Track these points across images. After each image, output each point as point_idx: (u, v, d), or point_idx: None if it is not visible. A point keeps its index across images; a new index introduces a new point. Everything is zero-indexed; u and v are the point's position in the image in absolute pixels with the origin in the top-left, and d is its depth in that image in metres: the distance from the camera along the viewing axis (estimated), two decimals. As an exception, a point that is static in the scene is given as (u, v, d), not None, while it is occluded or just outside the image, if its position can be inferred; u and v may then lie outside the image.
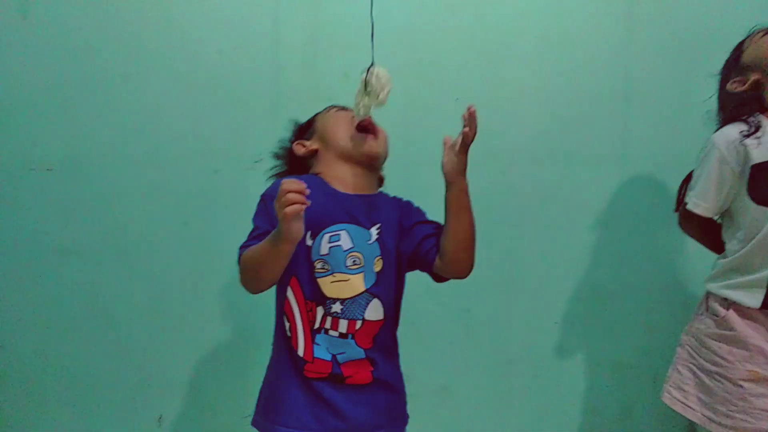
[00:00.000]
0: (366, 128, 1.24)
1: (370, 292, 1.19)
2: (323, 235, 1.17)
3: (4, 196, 1.74)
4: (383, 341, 1.22)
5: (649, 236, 1.82)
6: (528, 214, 1.81)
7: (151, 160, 1.73)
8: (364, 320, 1.18)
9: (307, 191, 1.02)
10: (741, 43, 1.42)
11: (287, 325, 1.20)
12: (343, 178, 1.24)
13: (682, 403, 1.42)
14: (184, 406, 1.82)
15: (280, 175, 1.33)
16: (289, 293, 1.19)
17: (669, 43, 1.80)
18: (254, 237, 1.17)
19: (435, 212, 1.30)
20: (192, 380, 1.81)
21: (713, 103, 1.45)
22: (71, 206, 1.75)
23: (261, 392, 1.27)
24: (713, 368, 1.37)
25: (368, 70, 1.17)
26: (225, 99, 1.73)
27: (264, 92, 1.73)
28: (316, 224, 1.17)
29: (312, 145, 1.29)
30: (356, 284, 1.17)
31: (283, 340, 1.21)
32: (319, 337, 1.18)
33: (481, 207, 1.74)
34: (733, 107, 1.39)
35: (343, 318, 1.17)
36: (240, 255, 1.16)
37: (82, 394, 1.80)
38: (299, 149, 1.30)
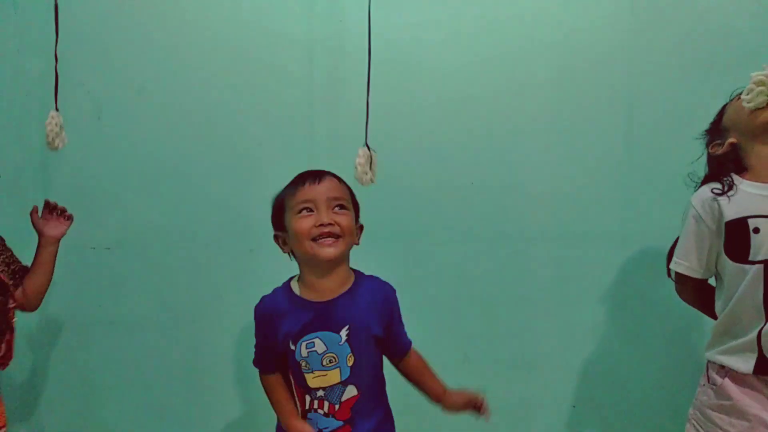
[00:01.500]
0: (332, 234, 1.34)
1: (344, 383, 1.39)
2: (301, 343, 1.37)
3: (67, 272, 1.88)
4: (359, 408, 1.41)
5: (674, 317, 1.78)
6: (544, 291, 1.84)
7: (193, 240, 1.90)
8: (341, 402, 1.40)
9: None
10: (723, 107, 1.47)
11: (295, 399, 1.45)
12: (313, 284, 1.39)
13: None
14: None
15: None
16: (291, 380, 1.43)
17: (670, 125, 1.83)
18: (259, 358, 1.46)
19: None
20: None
21: (695, 166, 1.50)
22: (121, 281, 1.92)
23: None
24: None
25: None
26: (261, 183, 1.89)
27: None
28: (295, 334, 1.37)
29: (287, 246, 1.41)
30: (332, 377, 1.38)
31: None
32: (310, 415, 1.41)
33: (496, 284, 1.84)
34: (714, 169, 1.44)
35: (326, 401, 1.40)
36: (260, 374, 1.46)
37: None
38: (282, 247, 1.43)
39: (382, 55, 1.71)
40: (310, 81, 1.88)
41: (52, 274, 1.62)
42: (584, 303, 1.82)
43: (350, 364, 1.37)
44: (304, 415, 1.42)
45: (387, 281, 1.47)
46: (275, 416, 1.46)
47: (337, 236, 1.34)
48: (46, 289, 1.62)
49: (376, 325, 1.39)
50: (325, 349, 1.36)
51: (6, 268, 1.55)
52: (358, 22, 1.64)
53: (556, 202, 1.85)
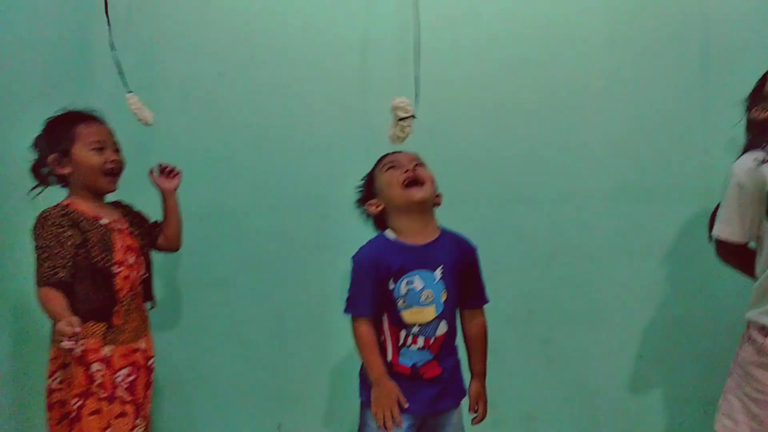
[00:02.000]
0: (411, 183, 1.54)
1: (439, 318, 1.55)
2: (401, 281, 1.53)
3: None
4: (446, 344, 1.58)
5: (730, 270, 1.75)
6: (605, 247, 1.89)
7: (274, 208, 2.06)
8: (435, 336, 1.55)
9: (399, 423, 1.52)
10: (765, 74, 1.46)
11: (383, 339, 1.58)
12: (408, 229, 1.57)
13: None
14: (302, 416, 2.09)
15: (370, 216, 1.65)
16: (384, 320, 1.57)
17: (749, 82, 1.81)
18: (361, 304, 1.56)
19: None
20: (309, 393, 2.08)
21: (736, 130, 1.50)
22: (214, 247, 2.11)
23: (362, 380, 1.63)
24: (759, 396, 1.38)
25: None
26: (331, 157, 2.02)
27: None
28: (395, 273, 1.54)
29: (379, 204, 1.60)
30: (429, 313, 1.54)
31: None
32: (404, 350, 1.56)
33: (561, 242, 1.89)
34: (755, 134, 1.44)
35: (420, 336, 1.55)
36: (354, 321, 1.57)
37: (222, 400, 2.12)
38: (372, 210, 1.61)
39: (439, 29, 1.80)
40: (370, 66, 1.99)
41: (180, 218, 1.87)
42: (645, 257, 1.86)
43: (444, 299, 1.54)
44: (397, 352, 1.55)
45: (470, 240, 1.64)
46: (357, 363, 1.60)
47: (422, 182, 1.54)
48: (180, 230, 1.88)
49: (461, 268, 1.57)
50: (423, 285, 1.53)
51: (137, 229, 1.76)
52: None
53: (613, 160, 1.88)
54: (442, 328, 1.55)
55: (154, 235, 1.83)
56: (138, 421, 1.63)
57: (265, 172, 2.08)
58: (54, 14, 2.09)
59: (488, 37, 1.93)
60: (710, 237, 1.52)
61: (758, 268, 1.43)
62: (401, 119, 1.60)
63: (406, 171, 1.55)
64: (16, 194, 1.79)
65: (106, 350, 1.59)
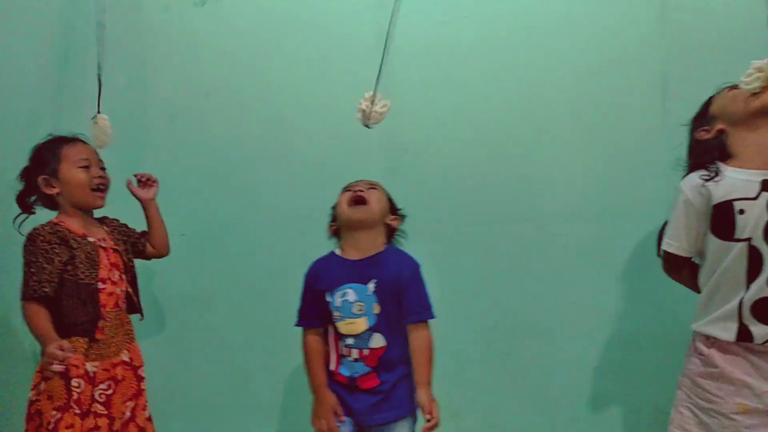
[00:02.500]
0: (356, 202, 1.67)
1: (371, 329, 1.63)
2: (335, 293, 1.65)
3: None
4: (386, 359, 1.65)
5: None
6: (566, 264, 1.99)
7: (255, 225, 2.15)
8: (369, 349, 1.63)
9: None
10: (711, 97, 1.58)
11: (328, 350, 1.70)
12: (350, 245, 1.71)
13: None
14: (278, 430, 2.14)
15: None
16: (331, 331, 1.69)
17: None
18: (303, 314, 1.73)
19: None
20: (287, 407, 2.14)
21: (680, 150, 1.61)
22: (195, 263, 2.18)
23: None
24: (707, 405, 1.47)
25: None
26: (311, 176, 2.11)
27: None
28: (331, 286, 1.66)
29: (334, 225, 1.76)
30: (361, 324, 1.63)
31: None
32: (343, 360, 1.66)
33: (523, 259, 2.00)
34: (700, 153, 1.54)
35: (354, 348, 1.64)
36: (303, 334, 1.72)
37: (196, 414, 2.18)
38: (330, 231, 1.78)
39: (407, 56, 1.93)
40: (351, 87, 2.00)
41: (163, 225, 1.94)
42: (602, 275, 1.96)
43: (376, 312, 1.63)
44: (338, 361, 1.66)
45: (413, 257, 1.72)
46: None
47: (365, 203, 1.66)
48: (166, 236, 1.95)
49: (399, 284, 1.64)
50: (356, 298, 1.63)
51: (123, 244, 1.84)
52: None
53: (574, 181, 1.99)
54: (378, 341, 1.63)
55: (141, 246, 1.91)
56: None
57: (247, 189, 2.17)
58: (47, 38, 2.20)
59: (462, 60, 2.05)
60: (659, 252, 1.61)
61: (701, 281, 1.52)
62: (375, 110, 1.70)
63: (355, 192, 1.67)
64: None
65: (90, 366, 1.64)
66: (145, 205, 1.93)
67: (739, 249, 1.42)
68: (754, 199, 1.41)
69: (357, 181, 1.75)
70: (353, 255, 1.69)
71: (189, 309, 2.20)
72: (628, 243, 1.95)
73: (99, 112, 1.82)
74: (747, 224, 1.41)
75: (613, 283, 1.96)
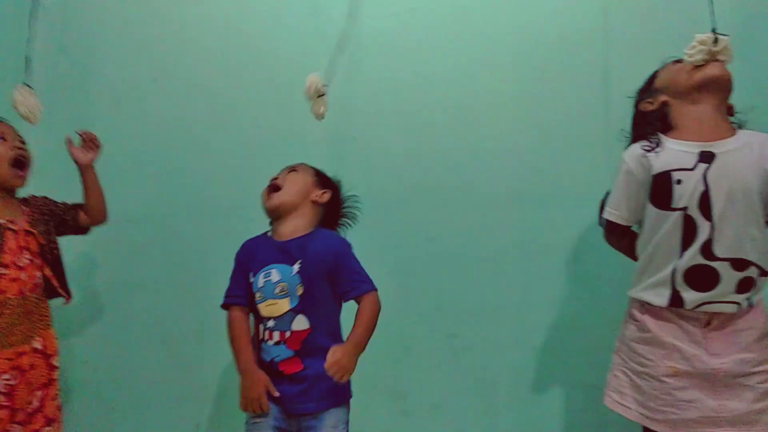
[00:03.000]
0: (271, 189, 1.69)
1: (294, 311, 1.58)
2: (260, 273, 1.62)
3: (95, 242, 2.09)
4: (310, 342, 1.59)
5: (620, 267, 1.88)
6: (507, 250, 2.05)
7: (202, 211, 2.14)
8: (291, 331, 1.58)
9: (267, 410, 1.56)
10: (656, 71, 1.63)
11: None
12: (277, 228, 1.70)
13: (620, 404, 1.58)
14: (219, 417, 2.12)
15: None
16: (252, 316, 1.66)
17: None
18: (230, 292, 1.70)
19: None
20: (228, 393, 2.11)
21: (626, 122, 1.67)
22: (141, 250, 2.16)
23: None
24: (641, 369, 1.53)
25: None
26: (259, 160, 2.07)
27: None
28: (256, 266, 1.64)
29: None
30: (283, 305, 1.58)
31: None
32: (263, 345, 1.61)
33: (466, 244, 2.06)
34: (643, 125, 1.59)
35: (275, 330, 1.59)
36: (228, 313, 1.68)
37: (142, 403, 2.15)
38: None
39: (355, 45, 1.97)
40: (316, 67, 2.01)
41: (101, 190, 1.84)
42: (541, 258, 2.03)
43: (300, 293, 1.58)
44: (259, 347, 1.61)
45: (343, 238, 1.74)
46: None
47: (278, 189, 1.67)
48: (103, 202, 1.85)
49: (326, 264, 1.61)
50: (279, 278, 1.59)
51: (44, 225, 1.75)
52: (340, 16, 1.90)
53: (515, 167, 2.05)
54: (301, 323, 1.57)
55: (71, 221, 1.83)
56: (13, 426, 1.61)
57: (192, 176, 2.17)
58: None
59: (408, 50, 2.11)
60: (600, 221, 1.66)
61: (639, 249, 1.58)
62: (320, 96, 1.71)
63: (271, 181, 1.70)
64: None
65: None
66: (83, 170, 1.81)
67: (675, 218, 1.47)
68: (691, 170, 1.46)
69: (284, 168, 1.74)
70: (281, 237, 1.66)
71: (134, 296, 2.16)
72: (566, 227, 2.03)
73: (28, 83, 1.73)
74: (684, 194, 1.46)
75: (552, 266, 2.04)
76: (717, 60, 1.49)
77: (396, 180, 2.10)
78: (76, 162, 1.81)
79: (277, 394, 1.55)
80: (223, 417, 2.13)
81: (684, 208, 1.47)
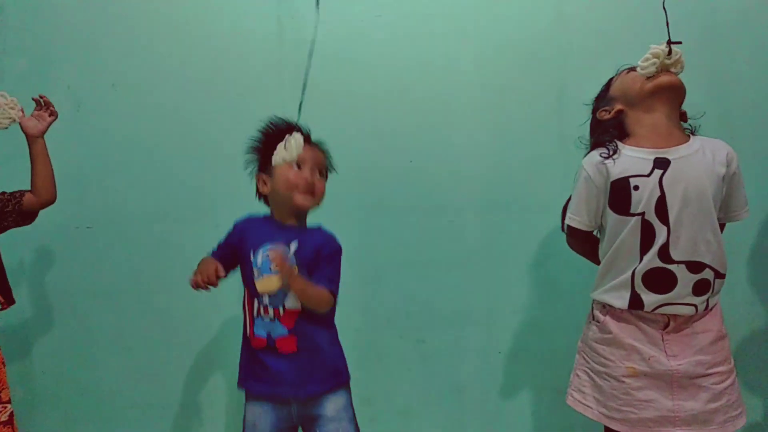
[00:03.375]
0: (308, 189, 1.65)
1: (287, 288, 1.59)
2: (259, 251, 1.61)
3: (54, 249, 2.16)
4: (304, 321, 1.61)
5: (583, 273, 1.94)
6: (473, 255, 2.09)
7: (165, 217, 2.14)
8: (284, 308, 1.61)
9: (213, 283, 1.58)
10: (610, 79, 1.67)
11: (245, 314, 1.65)
12: (283, 213, 1.67)
13: (581, 403, 1.62)
14: (186, 425, 2.13)
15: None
16: (245, 293, 1.66)
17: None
18: (216, 249, 1.72)
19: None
20: (195, 401, 2.13)
21: (583, 129, 1.72)
22: (102, 256, 2.15)
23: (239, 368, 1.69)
24: (601, 369, 1.57)
25: (291, 133, 1.59)
26: (224, 167, 2.10)
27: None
28: (256, 244, 1.62)
29: (267, 186, 1.69)
30: (275, 282, 1.57)
31: (243, 325, 1.67)
32: (257, 320, 1.62)
33: (433, 250, 2.09)
34: (600, 132, 1.64)
35: (270, 306, 1.61)
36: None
37: (105, 413, 2.14)
38: (262, 187, 1.71)
39: (329, 48, 1.99)
40: (276, 73, 2.13)
41: (50, 165, 1.77)
42: (508, 264, 2.08)
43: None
44: (252, 322, 1.62)
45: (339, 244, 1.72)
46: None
47: (313, 194, 1.66)
48: (52, 179, 1.77)
49: (316, 255, 1.63)
50: None
51: None
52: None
53: (482, 175, 2.10)
54: (293, 302, 1.59)
55: (13, 208, 1.76)
56: None
57: (155, 181, 2.16)
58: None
59: (375, 59, 2.14)
60: (563, 227, 1.71)
61: (601, 253, 1.62)
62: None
63: (306, 179, 1.64)
64: None
65: None
66: (32, 141, 1.74)
67: (633, 223, 1.51)
68: (647, 176, 1.51)
69: (303, 138, 1.61)
70: (285, 220, 1.68)
71: (96, 305, 2.15)
72: (531, 233, 2.08)
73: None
74: (641, 199, 1.50)
75: (518, 272, 2.09)
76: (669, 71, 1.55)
77: (363, 188, 2.12)
78: (26, 133, 1.75)
79: (223, 274, 1.59)
80: (190, 425, 2.13)
81: (642, 213, 1.51)
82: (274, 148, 1.64)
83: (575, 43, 2.10)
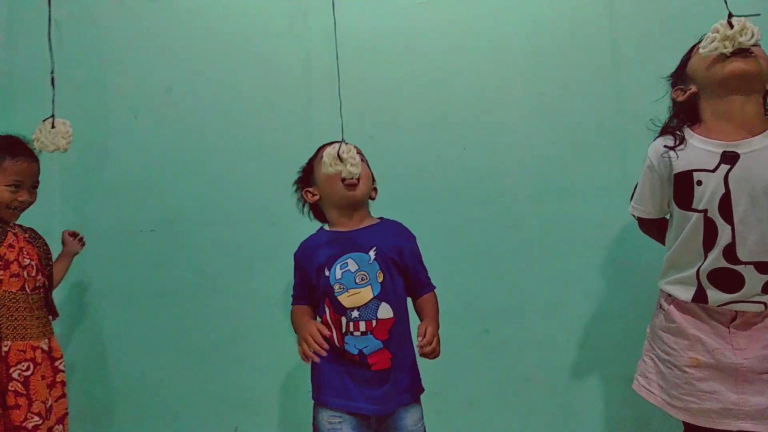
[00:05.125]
0: (352, 185, 1.73)
1: (378, 298, 1.67)
2: (335, 266, 1.69)
3: (120, 252, 2.37)
4: (396, 332, 1.68)
5: (647, 257, 2.00)
6: (533, 243, 2.15)
7: (223, 219, 2.31)
8: (377, 319, 1.66)
9: (323, 353, 1.57)
10: (691, 48, 1.60)
11: (329, 333, 1.65)
12: (342, 220, 1.76)
13: (645, 389, 1.68)
14: (256, 420, 2.30)
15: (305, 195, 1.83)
16: (326, 309, 1.71)
17: (657, 71, 1.82)
18: (295, 294, 1.79)
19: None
20: (262, 397, 2.30)
21: (656, 106, 1.71)
22: (165, 259, 2.34)
23: (312, 378, 1.76)
24: (666, 357, 1.62)
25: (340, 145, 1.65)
26: (276, 166, 2.24)
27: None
28: (329, 261, 1.69)
29: (316, 194, 1.80)
30: (366, 294, 1.66)
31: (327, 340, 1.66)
32: (347, 338, 1.67)
33: (490, 239, 2.17)
34: (671, 115, 1.66)
35: (361, 320, 1.66)
36: (292, 306, 1.78)
37: (173, 409, 2.34)
38: (309, 197, 1.82)
39: (377, 39, 2.12)
40: (310, 77, 2.27)
41: (65, 273, 2.20)
42: (568, 251, 2.13)
43: (380, 280, 1.67)
44: (341, 340, 1.65)
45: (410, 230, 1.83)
46: (308, 366, 1.72)
47: (356, 186, 1.73)
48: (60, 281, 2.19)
49: (398, 252, 1.72)
50: (357, 267, 1.67)
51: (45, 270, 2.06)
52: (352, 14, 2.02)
53: (537, 162, 2.15)
54: (386, 311, 1.66)
55: (49, 269, 2.09)
56: (36, 418, 1.86)
57: (214, 183, 2.33)
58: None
59: (421, 46, 2.23)
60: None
61: (668, 241, 1.65)
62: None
63: (349, 181, 1.70)
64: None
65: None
66: (66, 254, 2.20)
67: (696, 219, 1.52)
68: (713, 171, 1.50)
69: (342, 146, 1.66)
70: (347, 227, 1.74)
71: (158, 305, 2.34)
72: (591, 219, 2.11)
73: (53, 113, 1.88)
74: (704, 196, 1.50)
75: (579, 258, 2.13)
76: (742, 49, 1.45)
77: (417, 179, 2.21)
78: (68, 251, 2.20)
79: (327, 332, 1.60)
80: (260, 421, 2.29)
81: (704, 210, 1.52)
82: (312, 169, 1.78)
83: (629, 13, 2.11)
